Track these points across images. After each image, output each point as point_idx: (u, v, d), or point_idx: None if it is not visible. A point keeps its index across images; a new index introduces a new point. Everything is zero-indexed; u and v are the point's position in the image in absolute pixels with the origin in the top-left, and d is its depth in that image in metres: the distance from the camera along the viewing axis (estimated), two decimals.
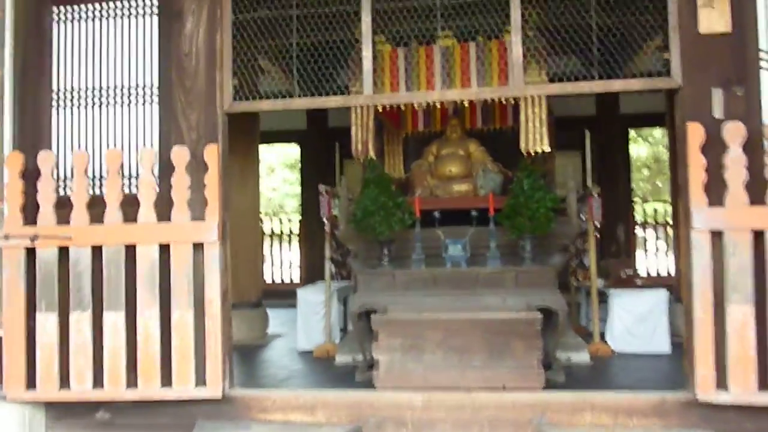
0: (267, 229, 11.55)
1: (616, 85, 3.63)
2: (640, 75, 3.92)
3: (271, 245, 11.57)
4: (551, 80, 5.56)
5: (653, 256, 10.76)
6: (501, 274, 5.38)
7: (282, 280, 11.48)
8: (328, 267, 6.76)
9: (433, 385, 4.75)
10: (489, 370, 4.71)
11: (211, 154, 3.66)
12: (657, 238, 10.86)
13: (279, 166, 23.48)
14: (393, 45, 6.07)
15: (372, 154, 6.21)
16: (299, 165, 12.29)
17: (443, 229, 5.81)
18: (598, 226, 6.20)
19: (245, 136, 7.80)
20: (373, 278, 5.54)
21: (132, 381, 3.65)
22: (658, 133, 18.32)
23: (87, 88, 3.96)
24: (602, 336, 6.32)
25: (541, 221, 5.48)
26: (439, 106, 6.02)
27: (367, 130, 6.31)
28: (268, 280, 11.36)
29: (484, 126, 7.38)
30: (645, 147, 18.43)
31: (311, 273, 10.55)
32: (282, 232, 11.68)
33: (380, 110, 6.06)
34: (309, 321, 6.92)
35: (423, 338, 4.79)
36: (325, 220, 6.61)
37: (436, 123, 7.48)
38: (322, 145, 11.01)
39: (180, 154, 3.65)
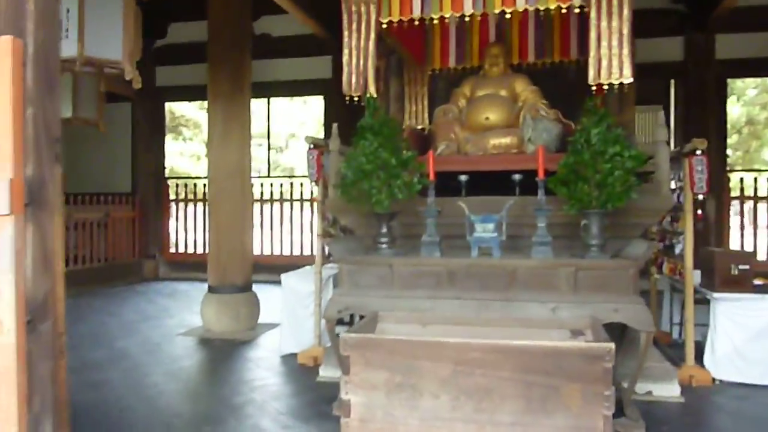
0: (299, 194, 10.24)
1: None
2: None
3: (291, 210, 10.10)
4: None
5: (749, 237, 8.55)
6: (552, 270, 3.52)
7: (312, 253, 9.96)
8: (319, 247, 5.04)
9: None
10: (525, 429, 2.94)
11: (2, 54, 1.96)
12: (756, 214, 8.64)
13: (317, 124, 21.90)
14: None
15: (372, 90, 4.42)
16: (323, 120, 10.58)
17: (471, 200, 3.99)
18: (701, 198, 4.24)
19: (229, 80, 6.16)
20: (361, 269, 3.78)
21: None
22: (753, 90, 15.72)
23: None
24: (698, 355, 4.43)
25: (615, 189, 3.58)
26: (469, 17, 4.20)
27: (367, 58, 4.53)
28: (287, 252, 10.15)
29: (538, 59, 5.44)
30: (737, 107, 15.78)
31: None
32: (302, 197, 10.14)
33: (385, 26, 4.29)
34: (296, 316, 5.28)
35: (420, 372, 3.05)
36: (313, 183, 4.90)
37: (472, 57, 5.58)
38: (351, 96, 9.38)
39: None
